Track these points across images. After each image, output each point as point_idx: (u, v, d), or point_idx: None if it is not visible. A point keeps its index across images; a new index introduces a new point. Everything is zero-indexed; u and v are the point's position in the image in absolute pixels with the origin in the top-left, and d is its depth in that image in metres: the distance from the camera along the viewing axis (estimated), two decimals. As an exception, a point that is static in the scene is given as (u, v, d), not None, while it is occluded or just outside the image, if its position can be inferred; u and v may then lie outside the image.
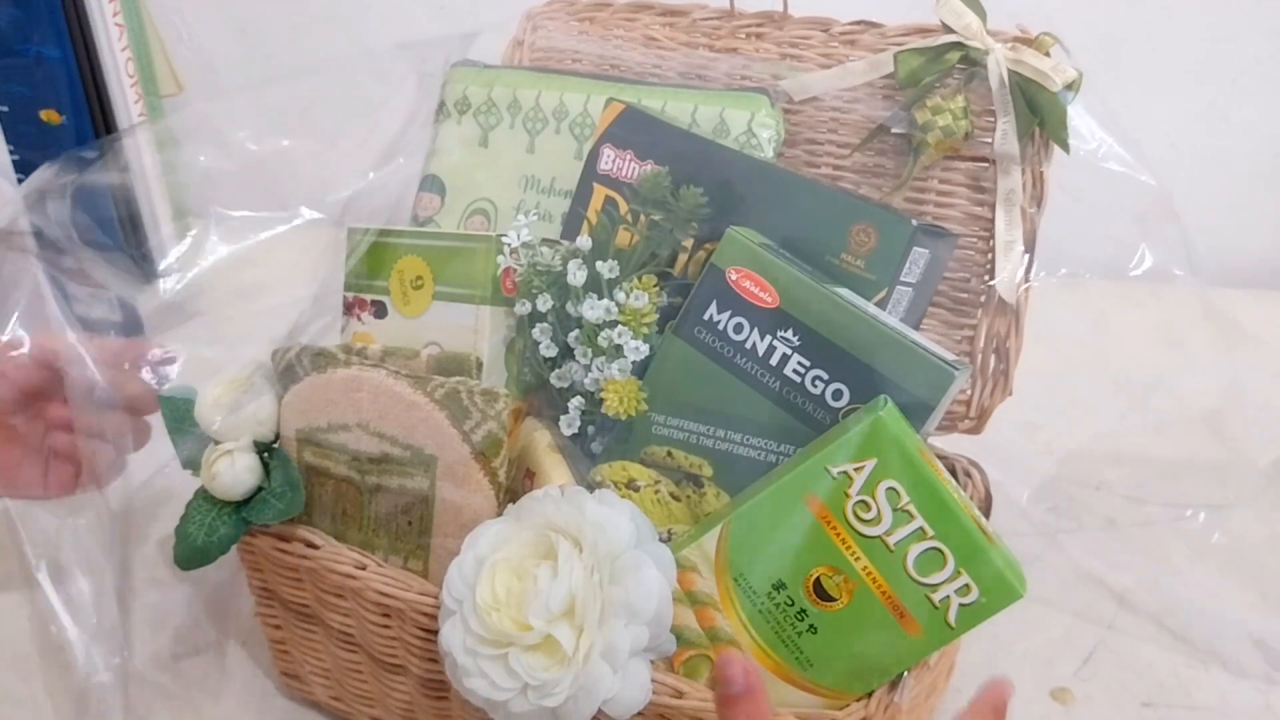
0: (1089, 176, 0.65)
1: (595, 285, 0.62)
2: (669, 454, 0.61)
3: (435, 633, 0.60)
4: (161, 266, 1.24)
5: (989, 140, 0.68)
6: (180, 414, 0.68)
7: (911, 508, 0.52)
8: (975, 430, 0.68)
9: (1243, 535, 0.66)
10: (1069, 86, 0.65)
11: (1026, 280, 0.66)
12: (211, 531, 0.64)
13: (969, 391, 0.68)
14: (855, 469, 0.52)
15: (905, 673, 0.54)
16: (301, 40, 1.31)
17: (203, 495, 0.65)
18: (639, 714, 0.55)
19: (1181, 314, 0.62)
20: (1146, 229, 0.62)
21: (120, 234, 1.17)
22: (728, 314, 0.59)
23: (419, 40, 0.84)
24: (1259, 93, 1.10)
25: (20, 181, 1.11)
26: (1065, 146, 0.65)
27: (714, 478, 0.60)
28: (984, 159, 0.69)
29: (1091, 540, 0.71)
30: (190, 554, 0.63)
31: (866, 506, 0.52)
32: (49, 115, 1.13)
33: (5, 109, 1.12)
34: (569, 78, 0.79)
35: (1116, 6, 1.08)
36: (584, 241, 0.63)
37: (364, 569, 0.62)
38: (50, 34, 1.10)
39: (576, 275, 0.61)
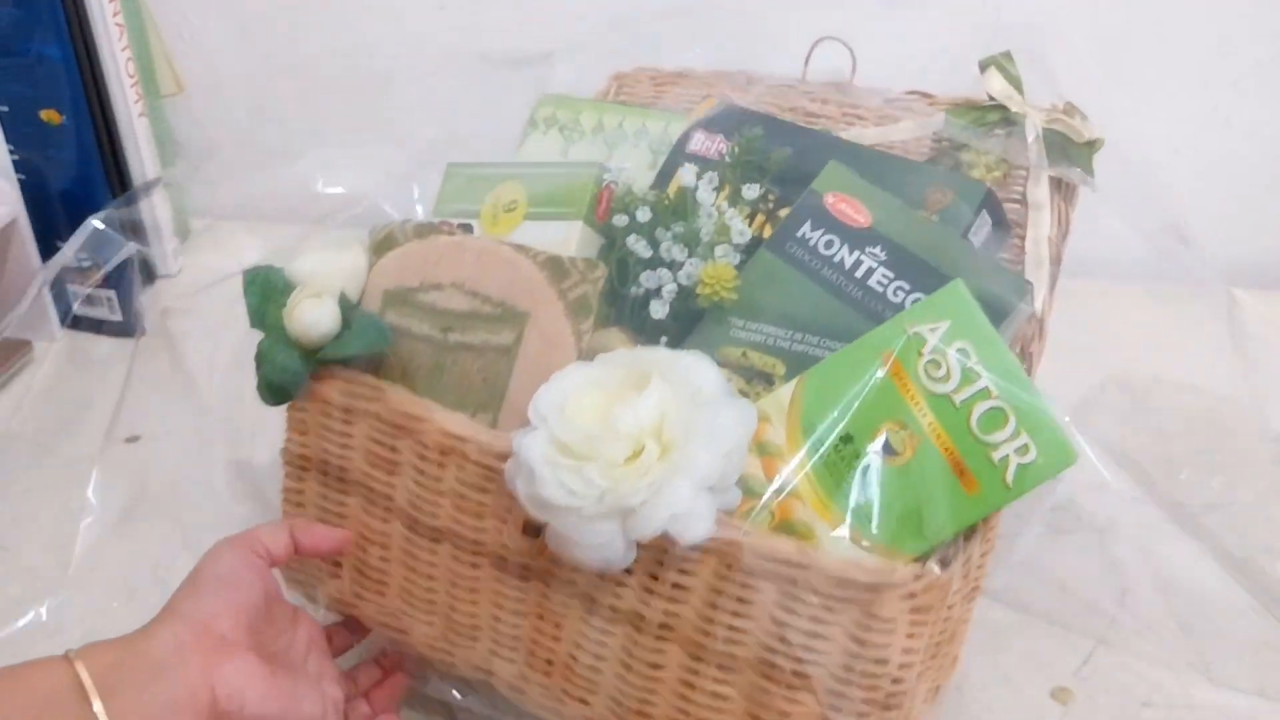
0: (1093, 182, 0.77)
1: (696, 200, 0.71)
2: (744, 354, 0.68)
3: (494, 482, 0.63)
4: (162, 267, 1.29)
5: (1021, 187, 0.82)
6: (262, 280, 0.72)
7: (979, 367, 0.59)
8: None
9: (1243, 535, 0.73)
10: (1091, 144, 0.80)
11: (1051, 294, 0.77)
12: (283, 371, 0.68)
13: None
14: (930, 329, 0.60)
15: (959, 544, 0.59)
16: (301, 40, 1.35)
17: (275, 336, 0.69)
18: (701, 549, 0.58)
19: (1184, 315, 0.72)
20: (1160, 244, 0.73)
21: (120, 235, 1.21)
22: (820, 231, 0.68)
23: (494, 56, 0.93)
24: (1261, 96, 1.19)
25: (21, 182, 1.16)
26: (1092, 186, 0.79)
27: (785, 376, 0.67)
28: (1017, 200, 0.82)
29: (1091, 540, 0.77)
30: (271, 392, 0.68)
31: (937, 365, 0.60)
32: (49, 115, 1.17)
33: (5, 109, 1.16)
34: (653, 110, 0.92)
35: (1118, 10, 1.16)
36: (689, 168, 0.73)
37: (432, 411, 0.65)
38: (50, 34, 1.14)
39: (687, 176, 0.70)
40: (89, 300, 1.19)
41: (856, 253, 0.67)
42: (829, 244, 0.68)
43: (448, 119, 0.91)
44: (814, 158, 0.75)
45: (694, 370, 0.60)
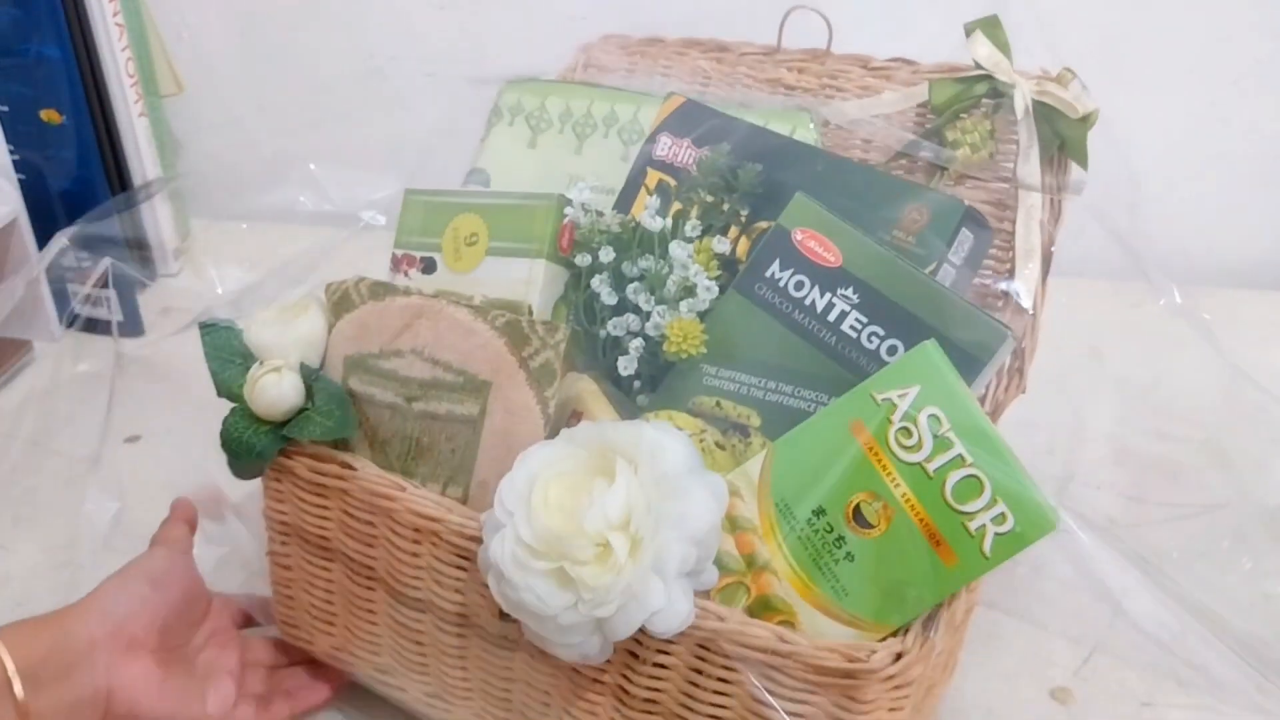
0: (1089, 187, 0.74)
1: (666, 238, 0.68)
2: (718, 404, 0.67)
3: (469, 559, 0.63)
4: (162, 267, 1.29)
5: (1011, 164, 0.77)
6: (221, 341, 0.71)
7: (952, 435, 0.57)
8: (988, 427, 0.74)
9: (1245, 532, 0.72)
10: (1086, 119, 0.75)
11: (1043, 285, 0.74)
12: (249, 450, 0.67)
13: (984, 388, 0.74)
14: (899, 395, 0.58)
15: (941, 607, 0.58)
16: (301, 40, 1.37)
17: (239, 412, 0.68)
18: (678, 638, 0.58)
19: (1183, 315, 0.70)
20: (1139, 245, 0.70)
21: (120, 235, 1.20)
22: (789, 271, 0.66)
23: (485, 75, 0.91)
24: (1259, 94, 1.18)
25: (21, 182, 1.15)
26: (1084, 165, 0.74)
27: (761, 428, 0.66)
28: (1006, 180, 0.78)
29: (1091, 540, 0.76)
30: (238, 469, 0.67)
31: (908, 433, 0.58)
32: (49, 115, 1.19)
33: (5, 109, 1.17)
34: (621, 91, 0.87)
35: (1117, 7, 1.15)
36: (653, 201, 0.70)
37: (403, 490, 0.65)
38: (50, 34, 1.15)
39: (653, 221, 0.67)
40: (89, 300, 1.18)
41: (828, 295, 0.65)
42: (799, 285, 0.65)
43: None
44: (784, 166, 0.72)
45: (660, 449, 0.59)
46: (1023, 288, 0.75)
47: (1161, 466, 0.78)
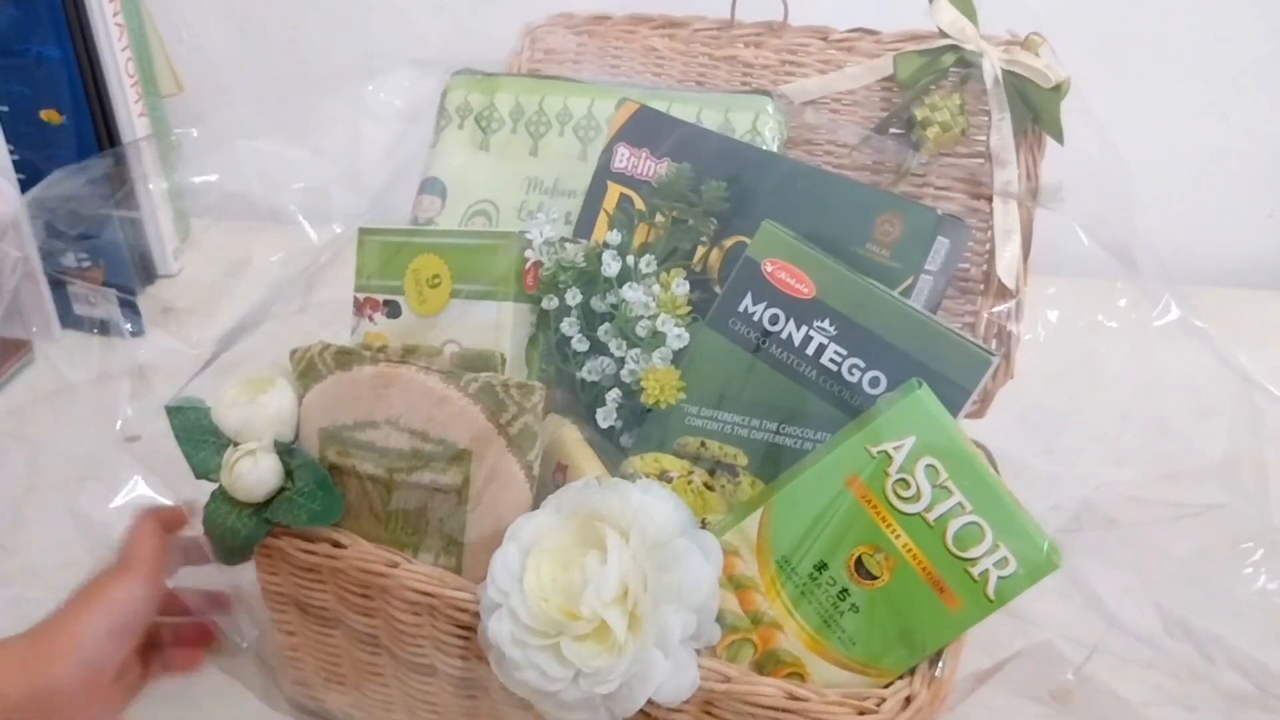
0: (1083, 182, 0.70)
1: (626, 277, 0.64)
2: (702, 444, 0.64)
3: (471, 629, 0.61)
4: (161, 268, 1.25)
5: (984, 137, 0.72)
6: (190, 423, 0.68)
7: (950, 484, 0.55)
8: (979, 414, 0.72)
9: (1246, 532, 0.70)
10: (1058, 88, 0.70)
11: (1025, 264, 0.70)
12: (234, 535, 0.65)
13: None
14: (894, 447, 0.56)
15: (945, 648, 0.57)
16: (301, 40, 1.34)
17: (220, 497, 0.65)
18: (685, 701, 0.56)
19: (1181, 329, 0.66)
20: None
21: (121, 235, 1.16)
22: (763, 305, 0.62)
23: (430, 59, 0.86)
24: (1259, 93, 1.15)
25: (21, 182, 1.12)
26: (1059, 139, 0.69)
27: (749, 467, 0.63)
28: (980, 155, 0.73)
29: (1091, 540, 0.74)
30: (224, 554, 0.63)
31: (906, 484, 0.56)
32: (49, 115, 1.16)
33: (5, 109, 1.15)
34: (572, 83, 0.81)
35: (1116, 6, 1.11)
36: (613, 236, 0.65)
37: (396, 567, 0.63)
38: (50, 34, 1.13)
39: (611, 266, 0.63)
40: (89, 300, 1.15)
41: (804, 328, 0.61)
42: (774, 318, 0.62)
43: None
44: (749, 175, 0.67)
45: (649, 514, 0.57)
46: (1004, 269, 0.71)
47: (1162, 466, 0.75)
